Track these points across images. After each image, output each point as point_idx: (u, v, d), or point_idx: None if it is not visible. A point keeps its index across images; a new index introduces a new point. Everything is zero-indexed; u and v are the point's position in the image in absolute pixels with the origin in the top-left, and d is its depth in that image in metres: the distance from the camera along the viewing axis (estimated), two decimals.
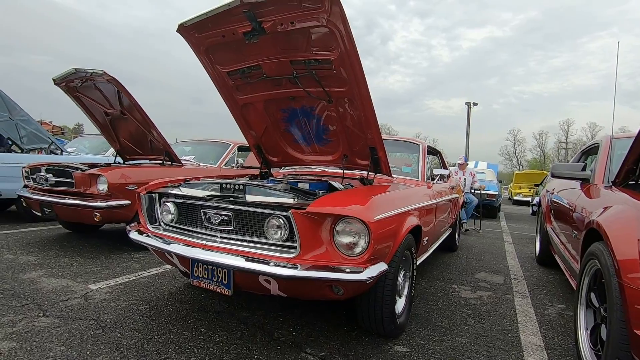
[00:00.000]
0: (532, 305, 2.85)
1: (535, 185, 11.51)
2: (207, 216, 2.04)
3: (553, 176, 2.89)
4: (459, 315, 2.56)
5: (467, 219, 6.79)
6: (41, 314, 2.19)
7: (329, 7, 1.87)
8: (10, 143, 6.01)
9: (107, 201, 3.47)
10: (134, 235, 2.22)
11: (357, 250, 1.69)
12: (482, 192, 8.22)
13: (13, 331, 1.98)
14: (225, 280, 1.88)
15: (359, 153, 2.72)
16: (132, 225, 2.44)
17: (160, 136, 4.23)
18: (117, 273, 3.06)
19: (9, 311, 2.21)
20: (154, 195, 2.28)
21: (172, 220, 2.21)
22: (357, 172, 2.80)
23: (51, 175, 3.75)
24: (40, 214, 3.98)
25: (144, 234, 2.20)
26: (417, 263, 2.57)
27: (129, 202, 3.59)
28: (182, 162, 4.65)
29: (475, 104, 29.13)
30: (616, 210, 1.79)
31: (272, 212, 1.82)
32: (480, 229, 6.97)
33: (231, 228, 1.97)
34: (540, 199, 5.12)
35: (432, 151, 4.19)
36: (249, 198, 1.93)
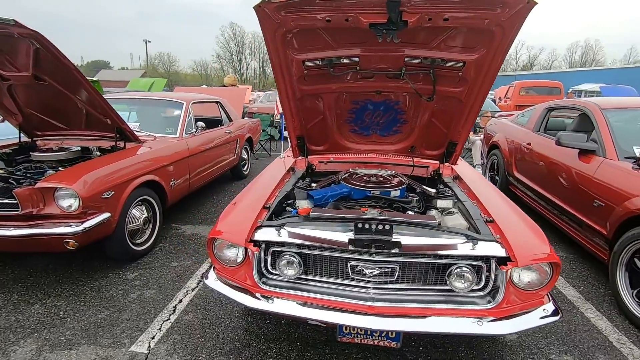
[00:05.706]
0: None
1: None
2: (357, 269, 1.70)
3: (559, 145, 3.23)
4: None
5: None
6: None
7: (510, 13, 1.51)
8: None
9: (82, 222, 2.50)
10: (247, 299, 1.70)
11: (541, 285, 1.70)
12: None
13: None
14: (392, 334, 1.70)
15: (429, 145, 2.55)
16: (210, 273, 1.87)
17: (110, 108, 3.04)
18: (139, 315, 2.39)
19: None
20: (260, 245, 1.73)
21: (297, 273, 1.75)
22: (426, 160, 2.63)
23: None
24: None
25: (261, 298, 1.71)
26: None
27: (109, 214, 2.67)
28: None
29: None
30: None
31: (457, 262, 1.63)
32: None
33: (393, 279, 1.70)
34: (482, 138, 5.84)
35: None
36: (411, 241, 1.64)
